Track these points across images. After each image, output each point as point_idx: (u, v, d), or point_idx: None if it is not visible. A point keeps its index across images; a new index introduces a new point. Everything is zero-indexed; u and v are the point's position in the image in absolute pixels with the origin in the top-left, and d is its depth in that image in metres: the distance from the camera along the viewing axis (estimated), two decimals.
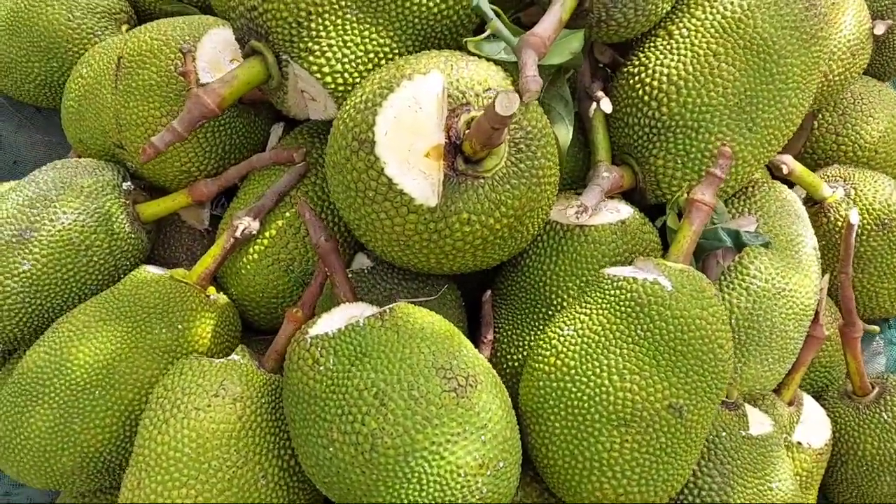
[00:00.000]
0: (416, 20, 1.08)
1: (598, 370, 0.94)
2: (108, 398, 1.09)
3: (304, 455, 0.95)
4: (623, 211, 1.15)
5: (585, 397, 0.94)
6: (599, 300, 0.99)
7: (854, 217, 1.15)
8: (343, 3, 1.05)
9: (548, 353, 1.00)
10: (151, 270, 1.22)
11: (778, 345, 1.15)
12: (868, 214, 1.33)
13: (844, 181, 1.38)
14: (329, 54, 1.07)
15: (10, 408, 1.11)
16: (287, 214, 1.24)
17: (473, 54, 1.03)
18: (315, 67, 1.07)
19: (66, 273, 1.22)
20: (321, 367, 0.93)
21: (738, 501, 1.04)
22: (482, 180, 0.94)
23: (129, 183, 1.32)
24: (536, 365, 1.01)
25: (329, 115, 1.16)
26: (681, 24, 1.14)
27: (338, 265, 1.07)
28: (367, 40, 1.08)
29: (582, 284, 1.11)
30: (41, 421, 1.09)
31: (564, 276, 1.13)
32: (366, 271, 1.18)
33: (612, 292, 0.98)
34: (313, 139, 1.29)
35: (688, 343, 0.93)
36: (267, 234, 1.24)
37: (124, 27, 1.62)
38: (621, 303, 0.96)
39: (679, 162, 1.13)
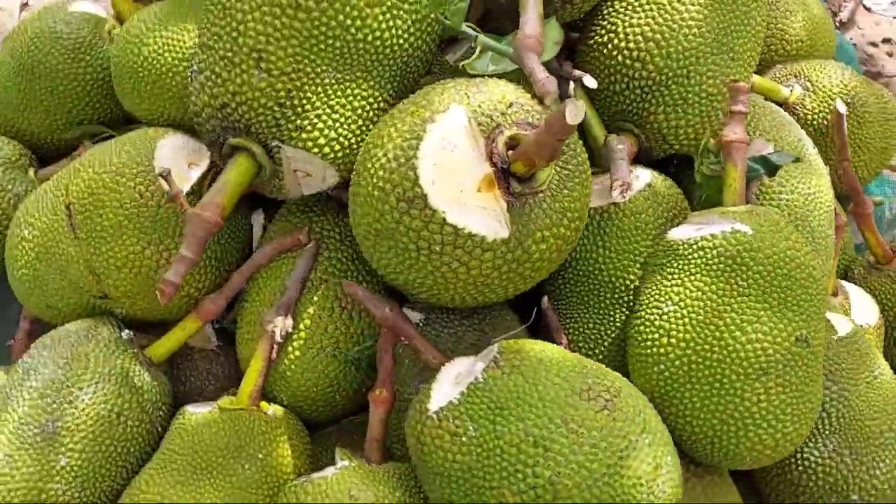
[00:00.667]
0: (392, 62, 1.03)
1: (717, 333, 0.94)
2: None
3: None
4: (643, 175, 1.15)
5: (716, 363, 0.94)
6: (685, 266, 0.99)
7: (841, 107, 1.20)
8: (319, 70, 0.99)
9: (655, 335, 0.99)
10: (195, 410, 1.12)
11: (822, 245, 1.19)
12: (830, 100, 1.40)
13: (796, 77, 1.44)
14: (320, 125, 1.00)
15: None
16: (315, 299, 1.16)
17: (474, 74, 0.99)
18: (310, 143, 1.01)
19: (107, 451, 1.10)
20: (463, 438, 0.87)
21: (858, 400, 1.07)
22: (541, 194, 0.91)
23: (127, 331, 1.20)
24: (647, 350, 0.99)
25: (329, 185, 1.10)
26: None
27: (413, 331, 1.01)
28: (351, 98, 1.02)
29: (637, 258, 1.11)
30: None
31: (617, 256, 1.12)
32: (421, 325, 1.13)
33: (697, 254, 0.98)
34: (307, 214, 1.22)
35: (788, 276, 0.94)
36: (301, 325, 1.16)
37: (30, 171, 1.47)
38: (711, 262, 0.96)
39: (680, 111, 1.14)
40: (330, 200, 1.24)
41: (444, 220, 0.89)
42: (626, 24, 1.13)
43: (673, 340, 0.97)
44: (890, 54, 1.95)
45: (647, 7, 1.12)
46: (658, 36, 1.11)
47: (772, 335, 0.93)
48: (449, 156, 0.89)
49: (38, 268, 1.23)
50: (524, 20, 0.98)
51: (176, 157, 1.19)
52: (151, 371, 1.18)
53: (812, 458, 1.09)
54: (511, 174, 0.90)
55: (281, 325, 1.13)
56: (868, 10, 1.93)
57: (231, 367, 1.32)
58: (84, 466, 1.08)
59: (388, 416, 1.06)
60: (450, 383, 0.93)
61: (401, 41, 1.02)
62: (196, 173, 1.19)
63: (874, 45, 1.95)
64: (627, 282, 1.12)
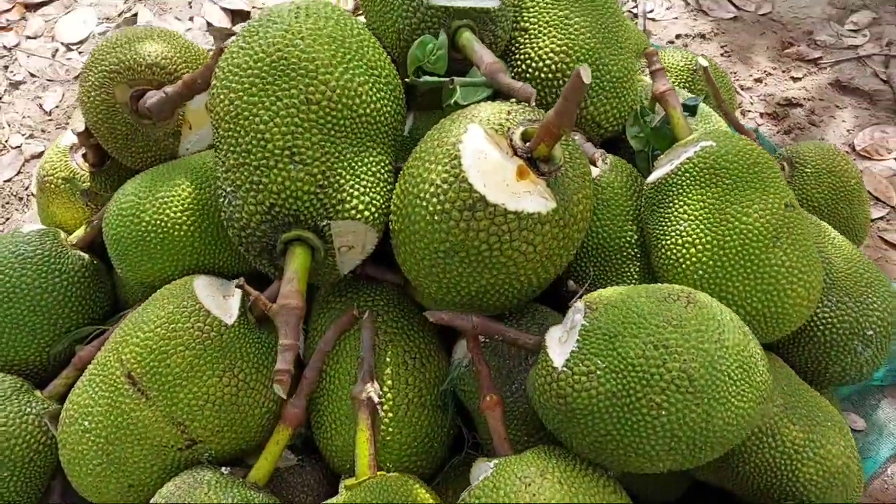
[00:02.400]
0: (386, 128, 1.22)
1: (730, 225, 1.17)
2: None
3: (639, 443, 1.01)
4: (596, 150, 1.39)
5: (739, 247, 1.16)
6: (679, 191, 1.22)
7: (703, 61, 1.52)
8: (341, 149, 1.15)
9: (683, 250, 1.20)
10: None
11: None
12: (681, 73, 1.74)
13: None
14: (355, 194, 1.16)
15: None
16: (387, 360, 1.26)
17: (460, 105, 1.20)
18: (353, 212, 1.15)
19: None
20: (598, 373, 1.01)
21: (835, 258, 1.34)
22: (563, 168, 1.11)
23: (225, 468, 1.22)
24: (682, 265, 1.20)
25: (367, 252, 1.23)
26: (526, 20, 1.42)
27: (503, 326, 1.15)
28: (370, 165, 1.19)
29: (628, 217, 1.33)
30: None
31: (611, 222, 1.33)
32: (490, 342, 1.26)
33: (683, 178, 1.22)
34: (345, 296, 1.33)
35: (756, 163, 1.20)
36: (385, 388, 1.25)
37: (37, 392, 1.45)
38: (697, 177, 1.21)
39: (602, 98, 1.40)
40: (356, 280, 1.36)
41: (506, 210, 1.06)
42: (537, 48, 1.40)
43: (699, 246, 1.19)
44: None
45: (546, 32, 1.40)
46: (564, 48, 1.38)
47: (770, 209, 1.18)
48: (485, 162, 1.08)
49: (112, 450, 1.23)
50: (480, 56, 1.22)
51: (213, 292, 1.27)
52: (264, 493, 1.21)
53: (826, 313, 1.33)
54: (535, 160, 1.10)
55: (373, 389, 1.21)
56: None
57: (320, 473, 1.36)
58: None
59: (504, 414, 1.17)
60: (557, 344, 1.08)
61: (386, 108, 1.21)
62: (234, 301, 1.28)
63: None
64: (629, 238, 1.33)
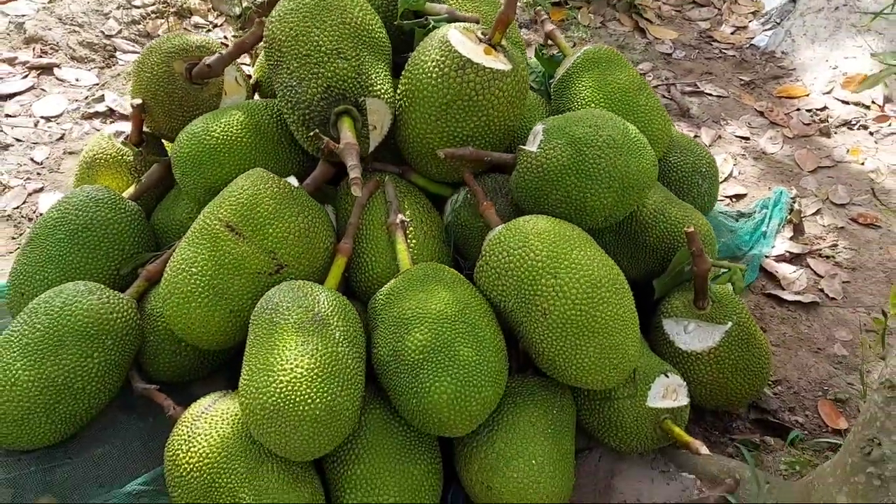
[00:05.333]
0: (385, 45, 1.84)
1: (609, 87, 1.89)
2: None
3: (589, 185, 1.62)
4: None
5: (616, 97, 1.87)
6: (577, 78, 1.93)
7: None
8: (363, 54, 1.75)
9: (585, 108, 1.89)
10: None
11: None
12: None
13: None
14: (378, 81, 1.76)
15: None
16: (407, 203, 1.80)
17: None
18: (380, 90, 1.75)
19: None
20: (560, 147, 1.64)
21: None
22: (506, 47, 1.77)
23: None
24: None
25: (383, 134, 1.80)
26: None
27: (487, 152, 1.75)
28: (379, 69, 1.79)
29: (547, 107, 2.02)
30: None
31: (537, 112, 2.01)
32: None
33: (576, 70, 1.93)
34: (367, 177, 1.86)
35: (615, 55, 1.94)
36: (409, 217, 1.77)
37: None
38: (584, 66, 1.93)
39: None
40: (367, 172, 1.90)
41: (485, 66, 1.69)
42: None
43: (594, 103, 1.89)
44: None
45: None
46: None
47: (631, 75, 1.92)
48: (465, 44, 1.72)
49: (217, 283, 1.63)
50: (440, 6, 1.89)
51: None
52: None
53: (674, 160, 2.05)
54: (493, 45, 1.76)
55: (400, 217, 1.74)
56: None
57: None
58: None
59: (495, 211, 1.74)
60: (532, 144, 1.69)
61: (382, 37, 1.84)
62: (292, 179, 1.78)
63: None
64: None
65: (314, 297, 1.55)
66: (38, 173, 2.55)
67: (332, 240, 1.76)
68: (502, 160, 1.77)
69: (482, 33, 1.77)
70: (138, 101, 1.97)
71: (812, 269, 2.49)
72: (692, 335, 1.77)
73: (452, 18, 1.88)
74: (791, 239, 2.60)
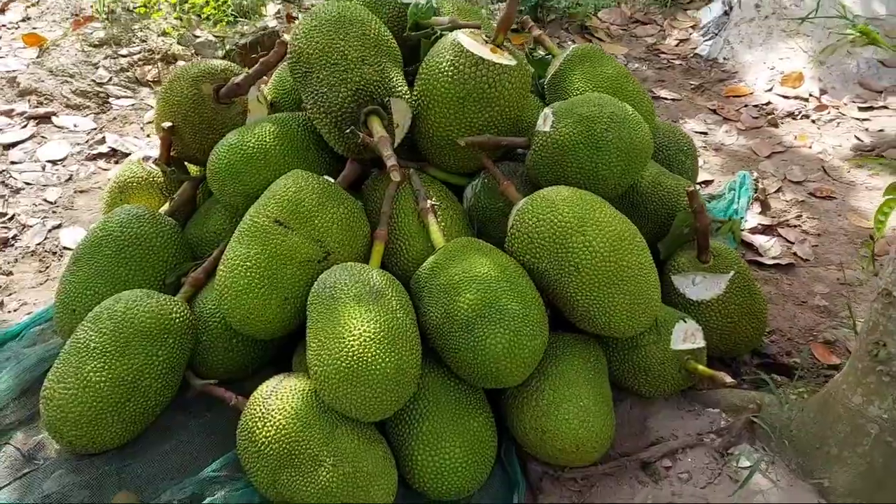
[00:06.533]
0: (398, 54, 2.03)
1: (599, 77, 2.11)
2: None
3: (600, 156, 1.83)
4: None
5: (606, 84, 2.09)
6: (568, 74, 2.15)
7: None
8: (384, 61, 1.94)
9: (580, 95, 2.10)
10: None
11: None
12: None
13: None
14: (399, 82, 1.95)
15: None
16: (433, 192, 1.97)
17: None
18: (402, 91, 1.94)
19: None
20: (571, 124, 1.85)
21: None
22: (507, 46, 1.98)
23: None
24: None
25: (405, 130, 1.98)
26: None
27: (503, 137, 1.94)
28: (397, 72, 1.98)
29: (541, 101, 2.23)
30: None
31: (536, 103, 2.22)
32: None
33: (567, 67, 2.15)
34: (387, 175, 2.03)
35: (596, 50, 2.17)
36: (436, 202, 1.94)
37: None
38: (574, 63, 2.15)
39: None
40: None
41: (496, 62, 1.89)
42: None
43: (587, 89, 2.10)
44: None
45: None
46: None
47: (616, 67, 2.14)
48: (474, 45, 1.92)
49: (271, 274, 1.77)
50: (442, 19, 2.10)
51: None
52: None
53: (660, 140, 2.28)
54: (498, 44, 1.96)
55: (430, 201, 1.91)
56: None
57: None
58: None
59: (515, 189, 1.92)
60: (543, 125, 1.90)
61: (394, 46, 2.03)
62: (328, 177, 1.94)
63: None
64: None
65: (367, 274, 1.70)
66: (54, 211, 2.64)
67: (368, 228, 1.91)
68: (516, 144, 1.97)
69: (486, 36, 1.98)
70: (168, 123, 2.11)
71: (783, 238, 2.74)
72: (700, 286, 1.97)
73: (456, 26, 2.09)
74: (760, 213, 2.85)
